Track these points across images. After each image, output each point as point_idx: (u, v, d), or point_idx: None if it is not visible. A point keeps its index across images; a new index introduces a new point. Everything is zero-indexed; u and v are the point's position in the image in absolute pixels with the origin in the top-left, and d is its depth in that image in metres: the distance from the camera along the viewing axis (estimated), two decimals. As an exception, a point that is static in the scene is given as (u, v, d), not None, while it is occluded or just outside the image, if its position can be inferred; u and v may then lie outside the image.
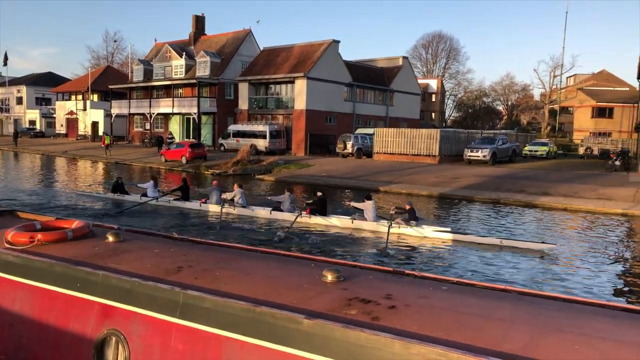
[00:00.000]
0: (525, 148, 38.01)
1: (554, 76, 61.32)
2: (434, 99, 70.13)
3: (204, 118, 45.39)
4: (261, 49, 46.83)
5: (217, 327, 2.86)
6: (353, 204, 13.88)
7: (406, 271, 3.64)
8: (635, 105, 39.97)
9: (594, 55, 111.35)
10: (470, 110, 78.02)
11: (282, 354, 2.60)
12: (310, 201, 14.42)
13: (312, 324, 2.55)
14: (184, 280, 3.29)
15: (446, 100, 77.39)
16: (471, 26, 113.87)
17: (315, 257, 4.16)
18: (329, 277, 3.24)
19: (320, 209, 13.84)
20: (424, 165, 29.62)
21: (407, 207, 13.07)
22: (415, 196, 21.26)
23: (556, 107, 61.82)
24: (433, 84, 69.56)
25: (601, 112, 56.77)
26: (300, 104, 39.87)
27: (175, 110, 46.38)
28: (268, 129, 38.10)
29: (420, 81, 61.58)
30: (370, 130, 37.86)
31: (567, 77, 71.40)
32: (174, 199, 16.41)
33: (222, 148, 40.53)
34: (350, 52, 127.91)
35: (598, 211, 17.71)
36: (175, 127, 48.23)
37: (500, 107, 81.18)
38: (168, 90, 48.52)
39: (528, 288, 3.69)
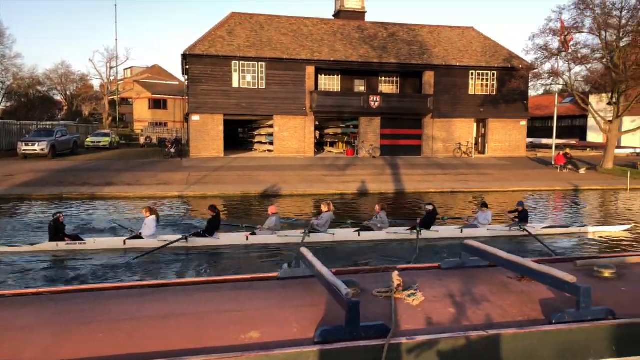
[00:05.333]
0: (88, 139, 37.45)
1: (110, 67, 62.21)
2: (-25, 86, 59.73)
3: None
4: None
5: None
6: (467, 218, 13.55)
7: None
8: (184, 97, 45.03)
9: (147, 49, 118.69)
10: (23, 100, 70.27)
11: None
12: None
13: None
14: None
15: (-8, 87, 67.14)
16: (15, 7, 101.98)
17: None
18: None
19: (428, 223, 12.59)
20: (-34, 164, 25.06)
21: (520, 208, 12.96)
22: (-44, 202, 17.74)
23: (116, 98, 63.19)
24: (-28, 67, 59.01)
25: (157, 104, 61.56)
26: None
27: None
28: None
29: (-47, 63, 51.32)
30: None
31: (124, 69, 73.79)
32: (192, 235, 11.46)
33: None
34: None
35: (159, 196, 19.21)
36: None
37: (59, 97, 76.59)
38: None
39: (61, 286, 3.57)
